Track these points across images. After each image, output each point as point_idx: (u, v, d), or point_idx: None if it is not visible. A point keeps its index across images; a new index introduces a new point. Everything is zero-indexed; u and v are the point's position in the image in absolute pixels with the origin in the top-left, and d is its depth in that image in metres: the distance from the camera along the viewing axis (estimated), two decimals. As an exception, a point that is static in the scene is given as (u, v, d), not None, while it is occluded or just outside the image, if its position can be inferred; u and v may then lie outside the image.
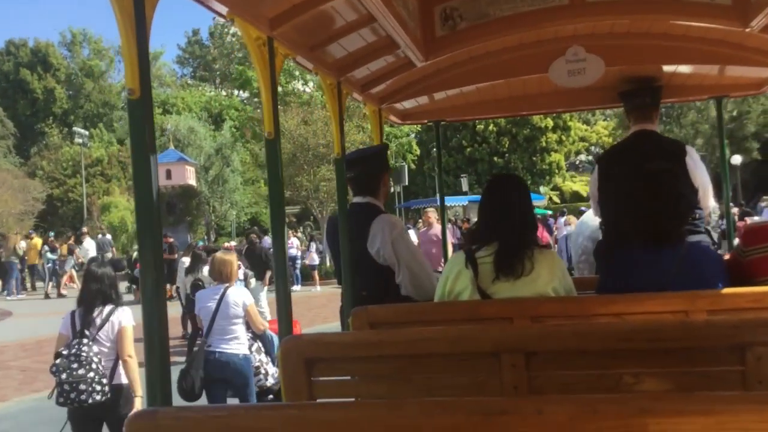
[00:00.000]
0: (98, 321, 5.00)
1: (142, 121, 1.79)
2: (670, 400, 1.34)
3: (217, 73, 66.63)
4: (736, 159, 37.76)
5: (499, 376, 2.24)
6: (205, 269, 10.11)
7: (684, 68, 4.50)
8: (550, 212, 33.19)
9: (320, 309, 17.51)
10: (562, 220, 25.06)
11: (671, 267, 3.02)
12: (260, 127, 28.93)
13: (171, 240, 21.91)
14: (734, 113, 42.63)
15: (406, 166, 33.27)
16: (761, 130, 46.90)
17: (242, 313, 6.09)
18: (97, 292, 5.09)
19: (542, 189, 43.92)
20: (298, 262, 22.89)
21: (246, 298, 6.18)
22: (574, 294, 3.17)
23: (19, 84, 58.30)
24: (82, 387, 4.75)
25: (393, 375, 2.45)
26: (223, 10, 2.42)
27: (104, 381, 4.84)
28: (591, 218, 5.35)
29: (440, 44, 3.87)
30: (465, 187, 36.46)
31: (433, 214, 12.26)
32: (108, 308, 5.05)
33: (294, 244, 23.24)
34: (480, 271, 3.04)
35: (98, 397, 4.79)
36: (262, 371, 6.41)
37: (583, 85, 4.24)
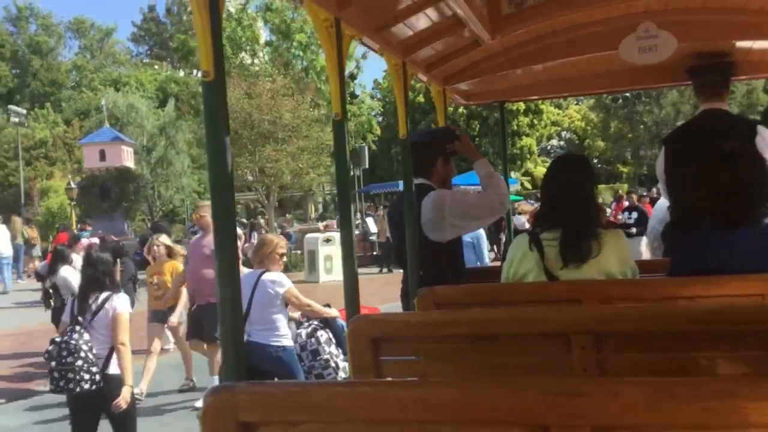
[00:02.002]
0: (93, 308, 4.90)
1: (216, 103, 1.83)
2: (751, 384, 1.30)
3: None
4: None
5: (568, 358, 2.22)
6: (65, 270, 9.04)
7: (761, 44, 4.33)
8: (521, 198, 31.57)
9: None
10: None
11: (747, 248, 2.93)
12: (198, 102, 26.88)
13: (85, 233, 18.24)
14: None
15: (366, 147, 31.50)
16: (745, 112, 44.87)
17: (279, 300, 5.64)
18: (91, 278, 4.98)
19: (513, 174, 42.27)
20: (240, 253, 21.86)
21: (280, 285, 5.67)
22: (637, 276, 3.12)
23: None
24: (70, 375, 4.67)
25: (459, 355, 2.46)
26: None
27: (93, 369, 4.72)
28: (665, 201, 5.23)
29: (507, 22, 3.83)
30: None
31: (208, 213, 7.56)
32: (103, 295, 4.93)
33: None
34: (546, 253, 3.02)
35: (86, 386, 4.68)
36: (332, 364, 5.86)
37: (654, 62, 4.12)
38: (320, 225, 27.86)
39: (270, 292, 5.57)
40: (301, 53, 34.84)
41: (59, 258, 9.30)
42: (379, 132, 41.79)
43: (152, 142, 33.50)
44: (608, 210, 22.42)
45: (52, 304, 9.20)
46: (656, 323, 2.16)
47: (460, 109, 41.55)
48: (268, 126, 23.26)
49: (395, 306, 5.10)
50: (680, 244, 3.36)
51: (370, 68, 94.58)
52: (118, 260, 6.25)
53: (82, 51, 63.53)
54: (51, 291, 9.22)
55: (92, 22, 64.49)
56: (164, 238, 9.19)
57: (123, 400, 4.80)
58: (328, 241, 20.58)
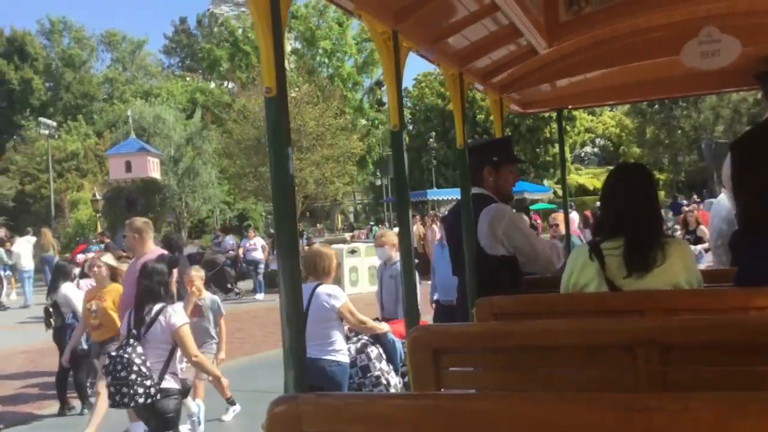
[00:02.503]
0: (147, 320, 4.80)
1: (278, 118, 1.86)
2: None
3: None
4: None
5: (632, 371, 2.18)
6: (66, 287, 8.20)
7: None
8: (554, 206, 30.85)
9: (278, 326, 14.96)
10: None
11: None
12: (225, 112, 27.10)
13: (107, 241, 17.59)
14: (758, 96, 38.92)
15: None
16: None
17: (335, 314, 5.27)
18: (147, 289, 4.89)
19: (546, 182, 41.57)
20: (261, 266, 20.06)
21: (336, 299, 5.29)
22: (702, 286, 3.04)
23: (-5, 74, 54.14)
24: (125, 390, 4.58)
25: (521, 367, 2.43)
26: (350, 5, 2.47)
27: (148, 383, 4.62)
28: (725, 199, 5.08)
29: (564, 30, 3.79)
30: None
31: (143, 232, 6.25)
32: (157, 307, 4.84)
33: (257, 245, 20.51)
34: (607, 263, 2.96)
35: (141, 400, 4.59)
36: (383, 381, 5.51)
37: (718, 67, 4.03)
38: (347, 235, 27.13)
39: (325, 306, 5.23)
40: (326, 60, 34.94)
41: (60, 274, 8.45)
42: (407, 140, 41.72)
43: (179, 153, 33.07)
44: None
45: (53, 323, 8.28)
46: (725, 335, 2.10)
47: (491, 117, 40.94)
48: (292, 134, 22.75)
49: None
50: (747, 250, 3.27)
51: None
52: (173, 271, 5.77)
53: (114, 63, 63.76)
54: (51, 309, 8.30)
55: (124, 34, 64.77)
56: (108, 257, 7.78)
57: (226, 389, 4.98)
58: (353, 252, 19.81)
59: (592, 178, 46.82)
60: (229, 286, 19.60)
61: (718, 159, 32.90)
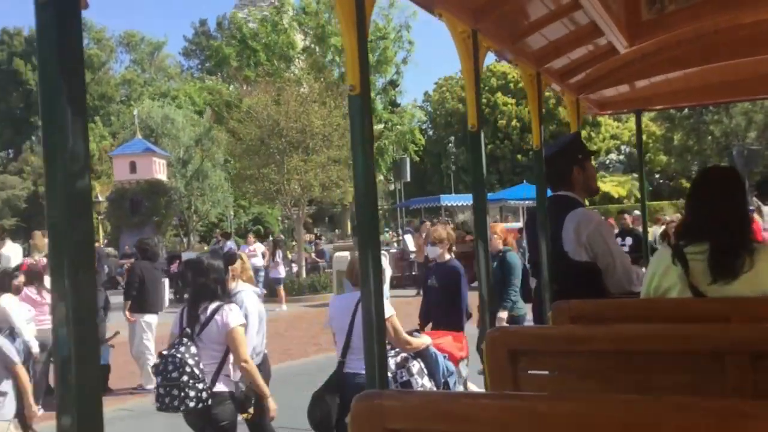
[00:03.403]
0: (202, 319, 4.52)
1: (361, 116, 1.87)
2: None
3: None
4: None
5: (719, 379, 2.11)
6: (4, 299, 6.99)
7: None
8: None
9: (278, 338, 12.75)
10: None
11: None
12: (231, 112, 25.12)
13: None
14: None
15: (408, 159, 29.43)
16: None
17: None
18: (202, 287, 4.62)
19: None
20: (261, 273, 18.79)
21: (385, 308, 4.88)
22: None
23: (13, 75, 54.11)
24: (175, 392, 4.30)
25: (599, 371, 2.39)
26: (431, 4, 2.47)
27: (200, 386, 4.33)
28: None
29: (646, 28, 3.70)
30: None
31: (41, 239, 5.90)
32: (213, 305, 4.56)
33: (257, 251, 19.46)
34: (691, 267, 2.88)
35: (192, 404, 4.30)
36: None
37: None
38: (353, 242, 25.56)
39: None
40: (337, 58, 32.84)
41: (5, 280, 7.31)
42: (423, 142, 40.18)
43: (188, 155, 31.77)
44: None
45: None
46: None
47: (513, 122, 40.07)
48: (296, 134, 21.63)
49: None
50: None
51: (421, 80, 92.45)
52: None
53: (133, 65, 63.20)
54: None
55: (143, 35, 64.14)
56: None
57: (272, 411, 4.64)
58: None
59: (616, 185, 44.92)
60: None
61: (751, 166, 31.38)
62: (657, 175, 47.97)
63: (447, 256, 6.60)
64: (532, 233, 4.08)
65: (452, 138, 40.61)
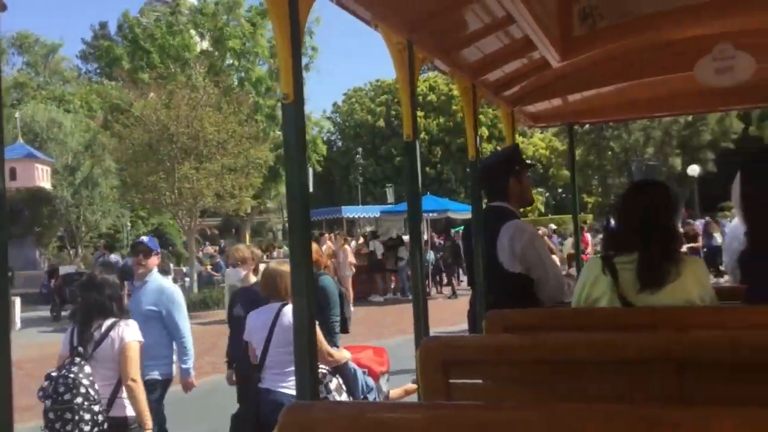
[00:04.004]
0: (96, 336, 4.21)
1: (295, 125, 1.85)
2: None
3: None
4: (694, 169, 34.11)
5: (646, 387, 2.15)
6: None
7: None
8: None
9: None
10: None
11: None
12: (114, 115, 23.75)
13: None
14: (689, 119, 38.59)
15: (311, 169, 28.77)
16: (718, 139, 42.16)
17: None
18: (95, 304, 4.31)
19: None
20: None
21: None
22: (715, 303, 3.02)
23: None
24: (68, 416, 3.94)
25: (532, 380, 2.41)
26: (368, 16, 2.47)
27: (96, 408, 4.00)
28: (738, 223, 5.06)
29: (578, 44, 3.79)
30: (390, 198, 32.81)
31: None
32: (108, 322, 4.27)
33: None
34: (620, 277, 2.94)
35: (87, 429, 3.94)
36: None
37: (732, 83, 4.02)
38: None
39: (292, 329, 4.62)
40: (235, 62, 31.55)
41: None
42: (324, 152, 39.55)
43: (76, 161, 29.01)
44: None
45: None
46: (743, 352, 2.07)
47: (422, 135, 39.88)
48: (188, 141, 20.33)
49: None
50: (757, 270, 3.24)
51: (331, 91, 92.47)
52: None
53: (26, 68, 58.25)
54: None
55: (37, 37, 59.09)
56: None
57: None
58: None
59: None
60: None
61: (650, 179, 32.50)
62: (560, 190, 48.76)
63: (252, 279, 5.89)
64: (467, 244, 4.12)
65: (360, 149, 40.50)
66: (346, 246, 19.54)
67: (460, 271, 24.35)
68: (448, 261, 23.13)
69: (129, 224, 32.31)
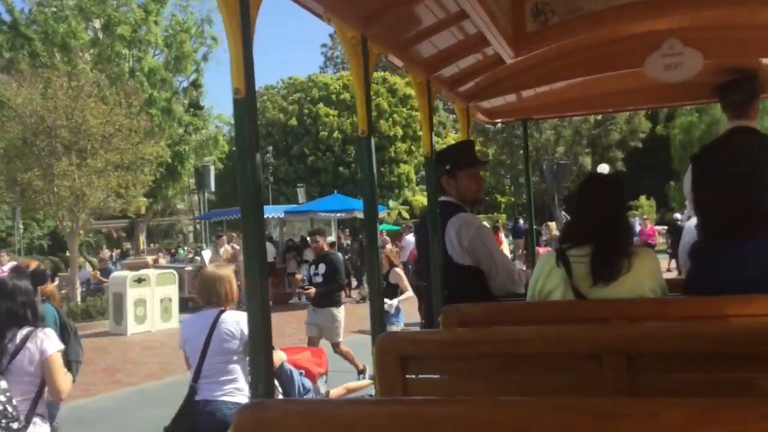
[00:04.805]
0: (10, 348, 3.91)
1: (247, 120, 1.83)
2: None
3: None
4: (604, 168, 34.97)
5: (598, 379, 2.18)
6: None
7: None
8: (400, 228, 28.88)
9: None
10: (408, 237, 21.07)
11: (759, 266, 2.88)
12: None
13: None
14: (599, 118, 39.42)
15: (212, 167, 26.97)
16: (626, 139, 43.21)
17: (240, 347, 4.41)
18: (8, 312, 4.02)
19: (391, 203, 40.65)
20: None
21: (245, 326, 4.06)
22: (667, 294, 3.08)
23: None
24: None
25: (488, 374, 2.43)
26: (320, 9, 2.46)
27: (15, 426, 3.72)
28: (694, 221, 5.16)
29: (531, 40, 3.82)
30: (302, 198, 31.80)
31: None
32: (23, 332, 3.98)
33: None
34: (573, 270, 2.98)
35: None
36: None
37: (681, 79, 4.10)
38: (149, 258, 22.43)
39: (231, 335, 4.40)
40: (125, 51, 28.73)
41: None
42: (226, 149, 38.51)
43: None
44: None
45: None
46: (691, 343, 2.11)
47: (335, 134, 39.99)
48: (67, 134, 18.25)
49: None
50: (697, 262, 3.31)
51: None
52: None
53: None
54: None
55: None
56: None
57: None
58: (140, 281, 15.82)
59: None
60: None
61: (560, 180, 33.16)
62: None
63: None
64: (419, 239, 4.13)
65: (270, 148, 39.24)
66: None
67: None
68: (357, 263, 21.87)
69: (22, 227, 29.79)
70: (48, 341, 4.01)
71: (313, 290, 8.66)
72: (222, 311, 4.46)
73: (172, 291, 16.61)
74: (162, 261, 25.20)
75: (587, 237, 2.98)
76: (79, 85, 19.21)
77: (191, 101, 33.25)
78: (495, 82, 4.52)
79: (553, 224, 27.69)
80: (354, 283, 21.98)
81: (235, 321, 4.41)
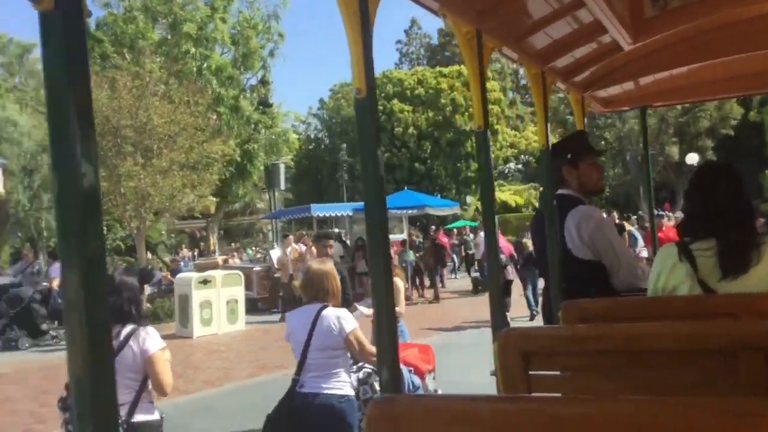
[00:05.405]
0: (114, 343, 3.89)
1: (368, 119, 1.87)
2: None
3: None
4: (693, 158, 31.81)
5: (731, 376, 2.09)
6: None
7: None
8: (477, 224, 27.26)
9: None
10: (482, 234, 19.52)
11: None
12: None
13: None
14: (686, 105, 35.72)
15: (282, 166, 26.37)
16: (716, 126, 39.53)
17: (342, 342, 4.48)
18: (114, 308, 3.98)
19: (468, 198, 38.88)
20: None
21: (346, 322, 4.50)
22: None
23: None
24: None
25: (612, 371, 2.37)
26: (435, 6, 2.47)
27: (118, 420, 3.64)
28: None
29: (650, 25, 3.70)
30: None
31: None
32: (127, 329, 4.01)
33: None
34: (699, 264, 2.87)
35: None
36: None
37: None
38: (219, 258, 21.60)
39: (333, 331, 4.47)
40: (192, 48, 28.14)
41: None
42: (297, 146, 37.69)
43: (34, 162, 26.31)
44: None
45: None
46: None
47: (410, 130, 38.96)
48: (131, 133, 18.08)
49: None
50: None
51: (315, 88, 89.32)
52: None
53: (0, 69, 55.41)
54: None
55: (11, 37, 56.09)
56: None
57: None
58: (205, 283, 15.23)
59: (514, 194, 44.24)
60: (45, 326, 14.77)
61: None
62: None
63: None
64: (536, 234, 4.07)
65: (344, 146, 38.90)
66: (314, 248, 17.63)
67: (444, 272, 22.15)
68: (430, 262, 20.75)
69: (105, 228, 30.00)
70: (150, 340, 4.04)
71: None
72: (324, 306, 4.54)
73: (239, 292, 16.07)
74: (236, 261, 24.59)
75: (711, 229, 2.85)
76: (143, 84, 19.13)
77: (260, 99, 32.97)
78: (611, 70, 4.40)
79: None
80: (427, 282, 21.09)
81: (336, 317, 4.48)
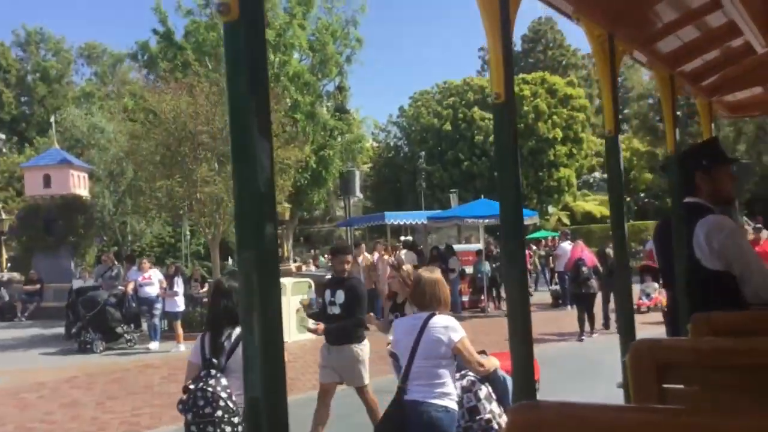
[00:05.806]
0: (227, 346, 4.11)
1: (507, 125, 1.86)
2: None
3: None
4: None
5: None
6: None
7: None
8: (558, 234, 25.71)
9: (151, 394, 9.90)
10: (564, 245, 18.87)
11: None
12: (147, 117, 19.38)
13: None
14: None
15: (357, 172, 25.61)
16: None
17: (450, 351, 4.46)
18: (224, 311, 4.19)
19: (551, 209, 37.23)
20: (158, 306, 14.70)
21: (454, 331, 4.46)
22: None
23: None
24: (210, 429, 3.93)
25: (750, 387, 2.27)
26: (569, 9, 2.44)
27: (236, 420, 3.95)
28: None
29: (788, 26, 3.51)
30: (454, 204, 29.00)
31: None
32: (237, 330, 4.08)
33: (153, 279, 14.98)
34: None
35: None
36: (494, 426, 4.74)
37: None
38: (292, 265, 21.52)
39: (440, 340, 4.45)
40: (270, 55, 26.93)
41: None
42: (371, 153, 36.93)
43: (120, 168, 25.96)
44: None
45: None
46: None
47: (491, 138, 35.79)
48: (206, 139, 17.58)
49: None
50: None
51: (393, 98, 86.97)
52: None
53: (94, 78, 58.95)
54: None
55: (105, 47, 59.83)
56: None
57: None
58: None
59: (599, 205, 42.08)
60: (120, 330, 14.81)
61: (744, 181, 28.07)
62: (642, 194, 44.75)
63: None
64: (660, 243, 3.93)
65: (422, 153, 38.11)
66: (386, 257, 17.28)
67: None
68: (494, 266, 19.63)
69: (188, 233, 29.95)
70: None
71: (322, 327, 6.63)
72: (432, 315, 4.52)
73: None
74: (311, 268, 24.48)
75: None
76: (221, 90, 18.63)
77: (336, 105, 32.65)
78: (742, 74, 4.21)
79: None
80: (504, 294, 19.93)
81: (444, 326, 4.45)
